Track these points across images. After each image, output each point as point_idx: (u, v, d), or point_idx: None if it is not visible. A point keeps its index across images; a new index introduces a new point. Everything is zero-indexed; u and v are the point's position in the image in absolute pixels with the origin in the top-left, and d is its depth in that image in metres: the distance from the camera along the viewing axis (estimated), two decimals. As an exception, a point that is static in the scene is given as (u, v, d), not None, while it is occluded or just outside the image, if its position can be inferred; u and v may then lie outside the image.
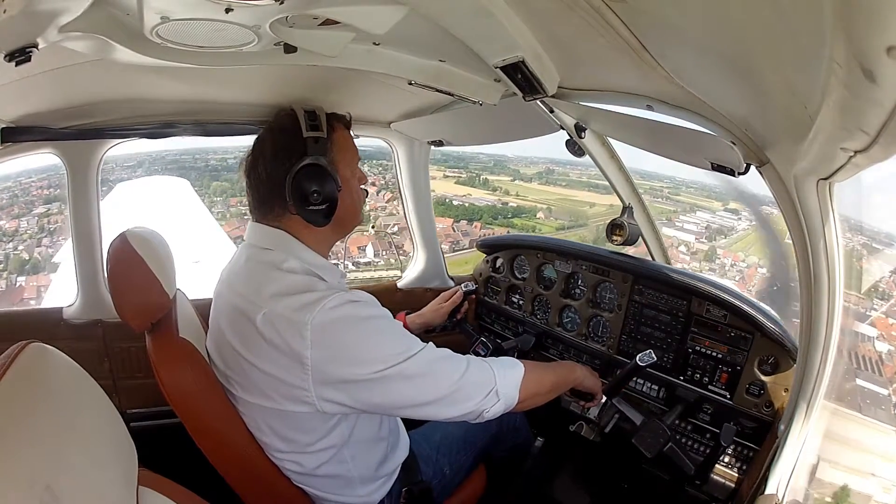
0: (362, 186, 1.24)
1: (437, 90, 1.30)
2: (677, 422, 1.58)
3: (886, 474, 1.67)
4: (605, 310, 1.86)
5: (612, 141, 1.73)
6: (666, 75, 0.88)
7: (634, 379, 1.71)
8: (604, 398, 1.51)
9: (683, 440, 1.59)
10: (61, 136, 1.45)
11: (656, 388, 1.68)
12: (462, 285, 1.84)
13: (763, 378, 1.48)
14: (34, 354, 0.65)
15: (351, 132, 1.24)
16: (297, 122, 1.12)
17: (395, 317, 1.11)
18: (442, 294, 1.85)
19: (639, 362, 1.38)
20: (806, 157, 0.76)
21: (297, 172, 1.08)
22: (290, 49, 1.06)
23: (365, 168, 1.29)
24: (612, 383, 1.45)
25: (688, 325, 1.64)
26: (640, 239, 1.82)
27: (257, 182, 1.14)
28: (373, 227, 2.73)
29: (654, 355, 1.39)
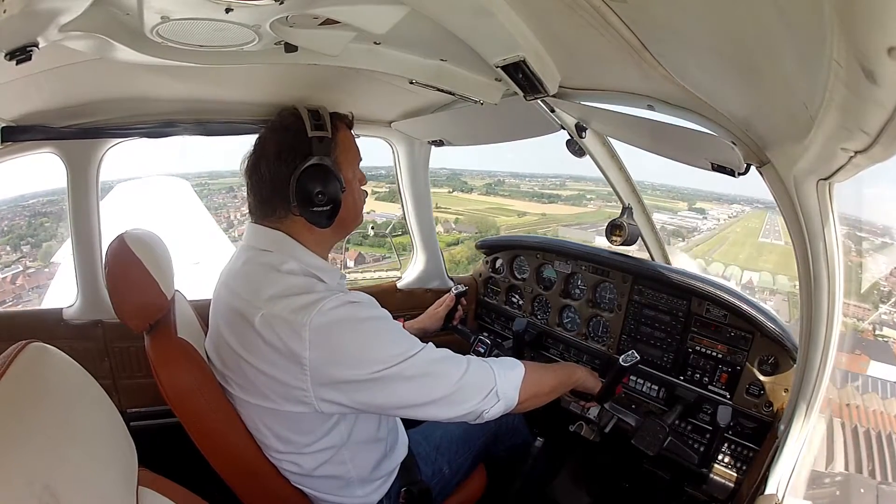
0: (362, 187, 1.24)
1: (438, 89, 1.30)
2: (677, 422, 1.58)
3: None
4: (605, 310, 1.86)
5: (612, 141, 1.73)
6: (667, 75, 0.88)
7: (634, 379, 1.71)
8: (598, 406, 1.51)
9: (683, 439, 1.59)
10: (61, 135, 1.45)
11: (656, 388, 1.68)
12: (453, 288, 1.84)
13: (763, 378, 1.48)
14: (34, 354, 0.65)
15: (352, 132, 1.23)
16: (301, 121, 1.11)
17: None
18: (437, 301, 1.85)
19: (622, 363, 1.37)
20: (806, 157, 0.76)
21: (302, 173, 1.07)
22: (290, 48, 1.06)
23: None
24: (603, 388, 1.45)
25: (688, 325, 1.64)
26: (640, 239, 1.82)
27: (259, 182, 1.12)
28: (373, 228, 2.72)
29: (636, 354, 1.38)
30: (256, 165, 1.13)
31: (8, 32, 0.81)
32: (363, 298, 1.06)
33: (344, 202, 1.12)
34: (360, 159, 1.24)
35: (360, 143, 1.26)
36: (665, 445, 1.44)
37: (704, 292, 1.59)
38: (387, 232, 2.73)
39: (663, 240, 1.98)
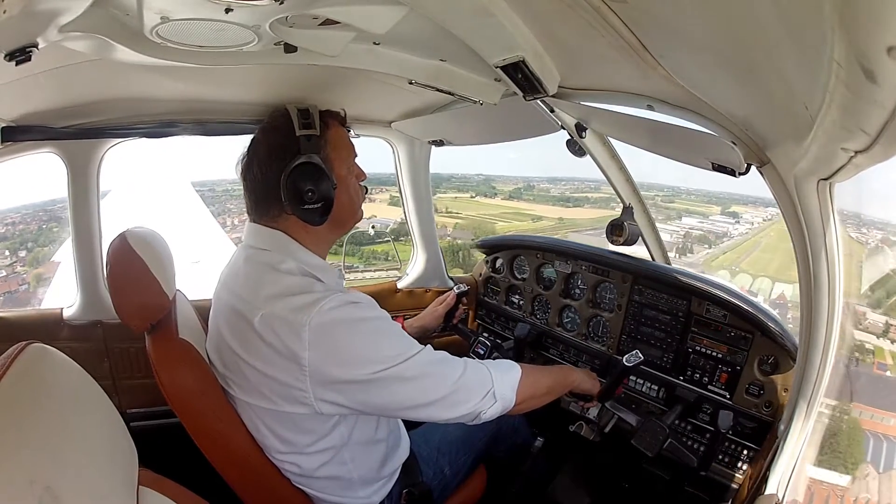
0: (361, 183, 1.24)
1: (438, 90, 1.30)
2: (677, 422, 1.58)
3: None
4: (605, 310, 1.86)
5: (612, 141, 1.73)
6: (666, 75, 0.88)
7: (634, 379, 1.71)
8: (597, 406, 1.51)
9: (683, 440, 1.59)
10: (61, 135, 1.45)
11: (656, 388, 1.68)
12: (455, 287, 1.85)
13: (763, 378, 1.48)
14: (34, 355, 0.65)
15: (351, 130, 1.23)
16: (290, 121, 1.12)
17: (392, 319, 1.11)
18: (437, 298, 1.86)
19: (626, 363, 1.38)
20: (806, 157, 0.76)
21: (291, 172, 1.08)
22: (290, 49, 1.06)
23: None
24: (605, 387, 1.45)
25: (688, 324, 1.64)
26: (640, 239, 1.82)
27: (253, 183, 1.14)
28: (373, 227, 2.72)
29: (640, 354, 1.39)
30: (249, 166, 1.14)
31: (8, 33, 0.81)
32: (362, 299, 1.06)
33: (337, 199, 1.12)
34: (356, 155, 1.24)
35: (363, 143, 1.26)
36: (665, 447, 1.44)
37: (704, 292, 1.59)
38: (387, 232, 2.73)
39: (686, 247, 1.97)
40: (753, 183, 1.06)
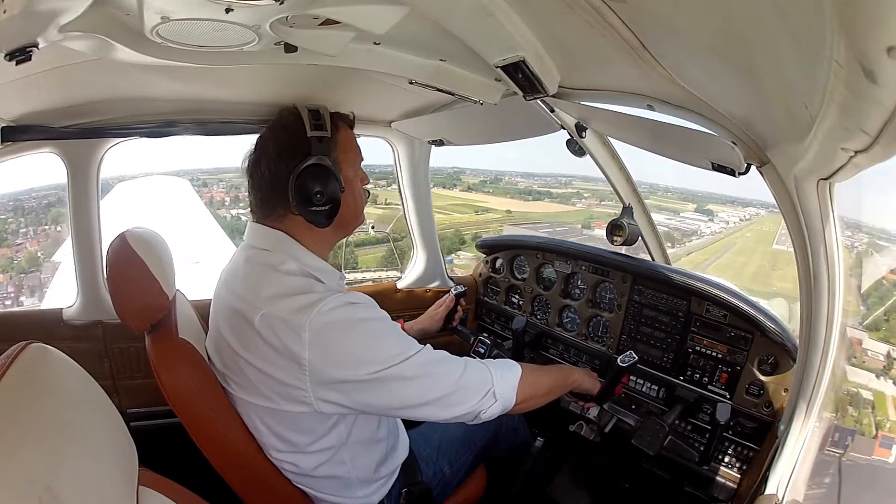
0: (364, 187, 1.24)
1: (438, 89, 1.30)
2: (677, 422, 1.58)
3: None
4: (605, 310, 1.86)
5: (612, 141, 1.73)
6: (666, 75, 0.88)
7: (634, 379, 1.71)
8: (598, 406, 1.51)
9: (683, 439, 1.59)
10: (61, 135, 1.45)
11: (656, 388, 1.68)
12: (452, 289, 1.85)
13: (763, 378, 1.48)
14: (34, 355, 0.65)
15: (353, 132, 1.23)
16: (301, 120, 1.12)
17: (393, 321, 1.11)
18: (437, 301, 1.86)
19: (620, 363, 1.38)
20: (806, 156, 0.76)
21: (301, 172, 1.07)
22: (290, 48, 1.06)
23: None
24: (602, 389, 1.45)
25: (687, 325, 1.64)
26: (640, 239, 1.82)
27: (260, 181, 1.13)
28: (372, 227, 2.72)
29: (634, 355, 1.39)
30: (257, 164, 1.13)
31: (8, 32, 0.81)
32: (362, 299, 1.06)
33: (343, 202, 1.12)
34: (362, 159, 1.24)
35: (361, 142, 1.27)
36: (665, 444, 1.44)
37: (704, 292, 1.59)
38: (387, 231, 2.73)
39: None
40: (735, 183, 1.06)
